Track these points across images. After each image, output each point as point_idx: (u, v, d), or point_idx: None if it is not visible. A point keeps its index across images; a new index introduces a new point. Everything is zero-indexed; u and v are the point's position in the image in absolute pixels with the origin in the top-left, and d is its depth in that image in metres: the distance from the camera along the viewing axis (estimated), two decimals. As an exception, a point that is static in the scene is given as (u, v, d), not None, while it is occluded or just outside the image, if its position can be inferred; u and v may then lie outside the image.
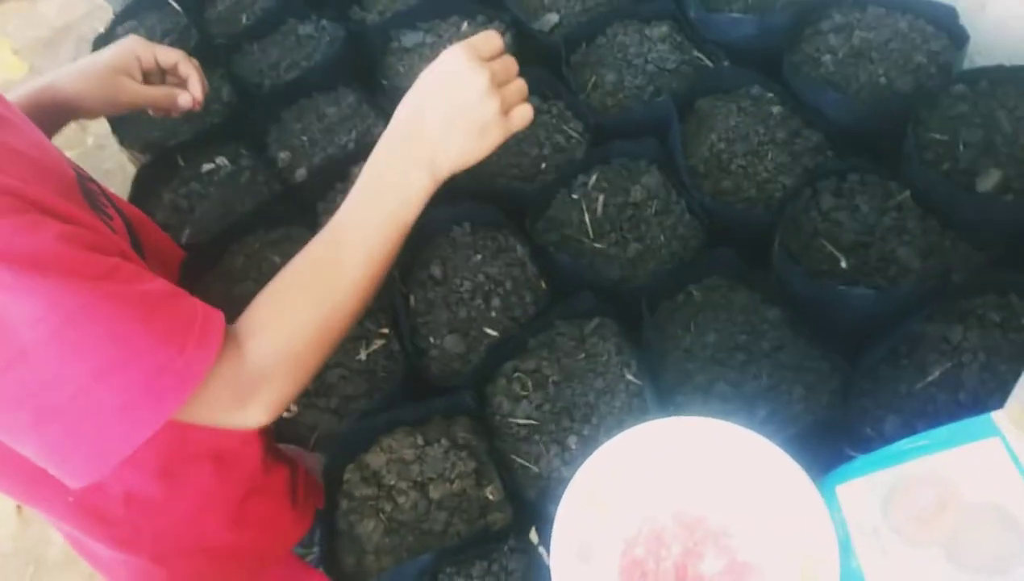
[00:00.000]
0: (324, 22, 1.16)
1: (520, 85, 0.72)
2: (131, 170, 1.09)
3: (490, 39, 0.71)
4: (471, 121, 0.69)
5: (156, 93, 0.92)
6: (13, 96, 0.88)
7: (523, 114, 0.71)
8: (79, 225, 0.60)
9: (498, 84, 0.69)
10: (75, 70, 0.89)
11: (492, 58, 0.70)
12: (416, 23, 1.12)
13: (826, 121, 0.88)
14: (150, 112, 0.96)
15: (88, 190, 0.72)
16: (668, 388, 0.76)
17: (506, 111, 0.70)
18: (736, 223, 0.85)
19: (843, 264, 0.79)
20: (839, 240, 0.80)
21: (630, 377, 0.76)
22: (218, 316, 0.63)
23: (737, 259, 0.82)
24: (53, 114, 0.88)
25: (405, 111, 0.71)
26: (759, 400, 0.74)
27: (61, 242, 0.56)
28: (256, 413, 0.65)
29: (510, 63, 0.72)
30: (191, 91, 0.93)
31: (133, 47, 0.91)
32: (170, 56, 0.92)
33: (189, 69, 0.93)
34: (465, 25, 1.10)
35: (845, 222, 0.81)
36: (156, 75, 0.94)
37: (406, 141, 0.71)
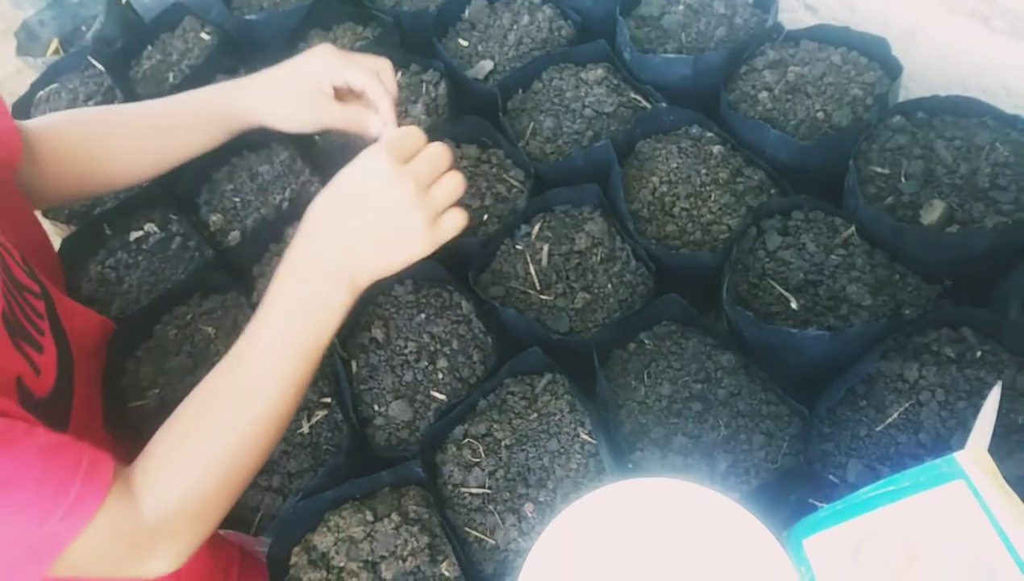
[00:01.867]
0: (254, 78, 1.13)
1: (450, 185, 0.65)
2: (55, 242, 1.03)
3: (411, 136, 0.65)
4: (395, 234, 0.63)
5: (349, 116, 0.83)
6: (164, 102, 0.86)
7: (453, 223, 0.65)
8: None
9: (426, 186, 0.63)
10: (266, 85, 0.84)
11: (416, 155, 0.64)
12: (349, 75, 1.09)
13: (767, 159, 0.88)
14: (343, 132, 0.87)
15: (15, 322, 0.66)
16: (625, 444, 0.73)
17: (434, 218, 0.64)
18: (683, 268, 0.83)
19: (793, 305, 0.77)
20: (788, 280, 0.79)
21: (584, 436, 0.73)
22: (105, 460, 0.58)
23: (686, 304, 0.80)
24: (227, 124, 0.86)
25: (319, 221, 0.65)
26: (719, 451, 0.72)
27: None
28: (157, 565, 0.59)
29: (438, 156, 0.65)
30: (383, 117, 0.81)
31: (326, 65, 0.81)
32: (359, 80, 0.81)
33: (380, 95, 0.81)
34: (399, 75, 1.08)
35: (793, 261, 0.79)
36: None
37: (321, 256, 0.64)
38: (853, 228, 0.80)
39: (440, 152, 0.65)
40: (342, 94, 0.83)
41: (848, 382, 0.71)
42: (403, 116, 1.02)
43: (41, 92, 1.22)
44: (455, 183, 0.65)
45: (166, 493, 0.59)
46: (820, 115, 0.88)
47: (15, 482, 0.52)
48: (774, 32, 0.96)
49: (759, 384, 0.76)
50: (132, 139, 0.87)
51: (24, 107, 1.20)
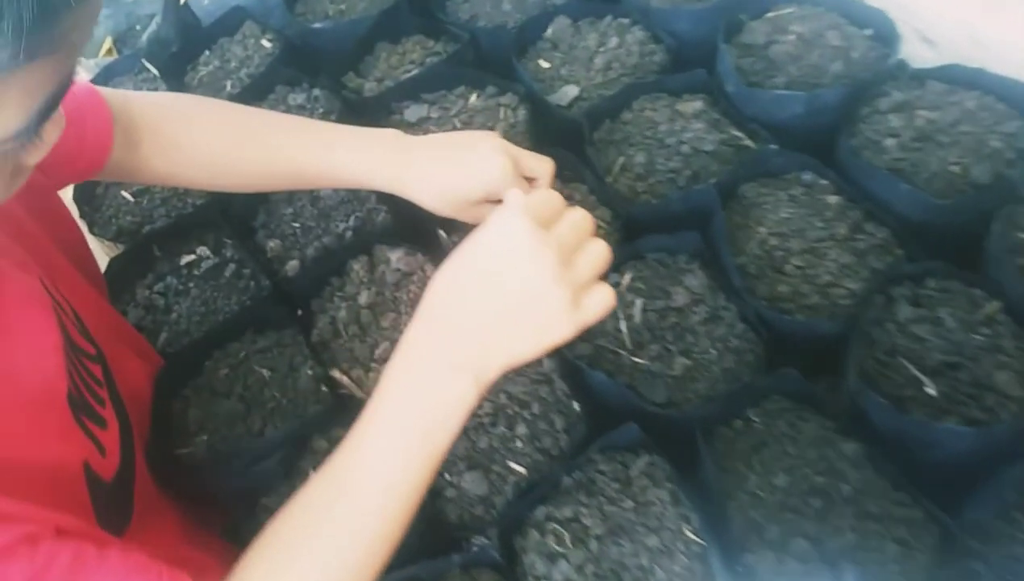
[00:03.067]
0: (317, 91, 1.05)
1: (596, 255, 0.54)
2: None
3: (551, 198, 0.55)
4: (533, 316, 0.51)
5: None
6: (299, 148, 0.75)
7: (601, 302, 0.53)
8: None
9: (568, 256, 0.52)
10: (430, 177, 0.73)
11: (556, 219, 0.54)
12: (420, 94, 1.01)
13: (893, 215, 0.78)
14: None
15: (80, 401, 0.59)
16: (734, 543, 0.64)
17: (577, 296, 0.52)
18: (797, 336, 0.73)
19: (930, 390, 0.68)
20: (923, 360, 0.69)
21: (690, 535, 0.64)
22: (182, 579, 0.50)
23: (804, 380, 0.71)
24: (357, 185, 0.78)
25: (444, 299, 0.54)
26: (845, 560, 0.62)
27: None
28: None
29: (580, 220, 0.54)
30: None
31: (496, 189, 0.70)
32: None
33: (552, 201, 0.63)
34: (474, 97, 1.00)
35: (928, 338, 0.70)
36: None
37: (443, 344, 0.53)
38: (998, 302, 0.70)
39: (582, 216, 0.55)
40: None
41: (999, 489, 0.62)
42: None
43: (91, 96, 1.16)
44: (601, 252, 0.54)
45: None
46: (956, 169, 0.78)
47: None
48: (898, 70, 0.86)
49: (889, 481, 0.66)
50: (247, 178, 0.78)
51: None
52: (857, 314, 0.72)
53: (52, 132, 0.47)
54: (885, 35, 0.90)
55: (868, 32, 0.91)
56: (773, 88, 0.88)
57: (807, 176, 0.83)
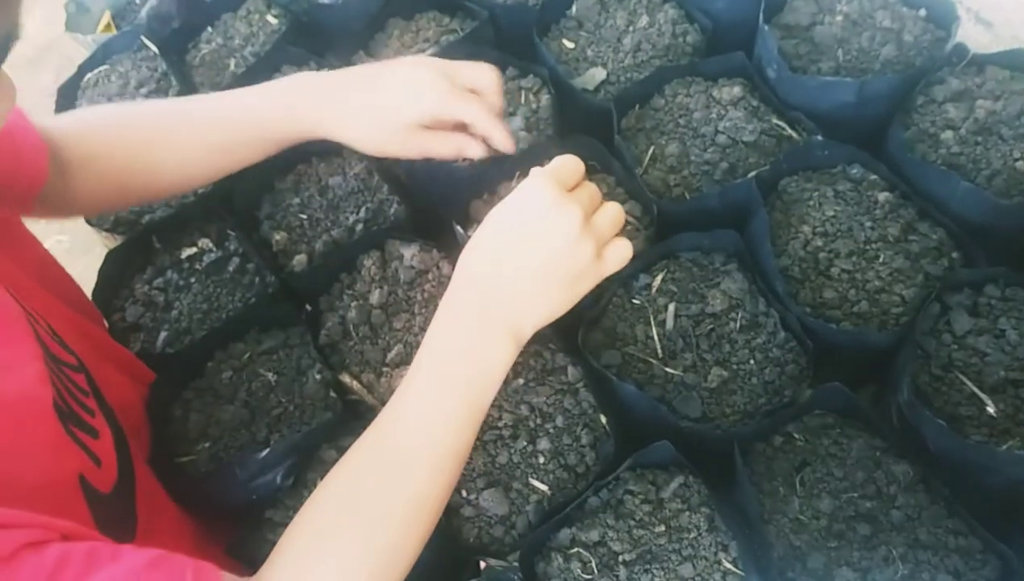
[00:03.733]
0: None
1: (612, 214, 0.59)
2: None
3: (572, 163, 0.59)
4: (563, 272, 0.56)
5: (447, 145, 0.72)
6: (217, 105, 0.74)
7: (619, 254, 0.58)
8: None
9: (590, 216, 0.57)
10: (351, 107, 0.71)
11: (577, 186, 0.58)
12: (435, 75, 0.95)
13: (949, 215, 0.72)
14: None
15: (68, 409, 0.56)
16: (775, 573, 0.59)
17: (600, 250, 0.57)
18: (844, 346, 0.68)
19: (990, 410, 0.62)
20: (982, 376, 0.64)
21: (728, 565, 0.59)
22: (211, 572, 0.47)
23: (851, 395, 0.66)
24: (290, 139, 0.75)
25: (478, 264, 0.57)
26: (895, 595, 0.57)
27: None
28: None
29: (595, 188, 0.60)
30: (496, 144, 0.71)
31: (434, 104, 0.68)
32: (468, 113, 0.69)
33: (489, 127, 0.70)
34: (494, 79, 0.93)
35: (988, 352, 0.64)
36: None
37: (481, 304, 0.56)
38: (1066, 315, 0.65)
39: (595, 187, 0.60)
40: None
41: (1070, 522, 0.57)
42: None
43: (90, 74, 1.10)
44: (617, 211, 0.59)
45: None
46: (1020, 165, 0.71)
47: None
48: (955, 55, 0.80)
49: (943, 507, 0.61)
50: (179, 153, 0.74)
51: (71, 91, 1.08)
52: (910, 324, 0.66)
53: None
54: (941, 16, 0.83)
55: (922, 12, 0.84)
56: (818, 74, 0.82)
57: (855, 170, 0.77)
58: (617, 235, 0.59)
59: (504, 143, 0.71)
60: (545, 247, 0.55)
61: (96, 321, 0.83)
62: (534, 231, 0.55)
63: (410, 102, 0.68)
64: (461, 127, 0.71)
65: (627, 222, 0.80)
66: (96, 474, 0.56)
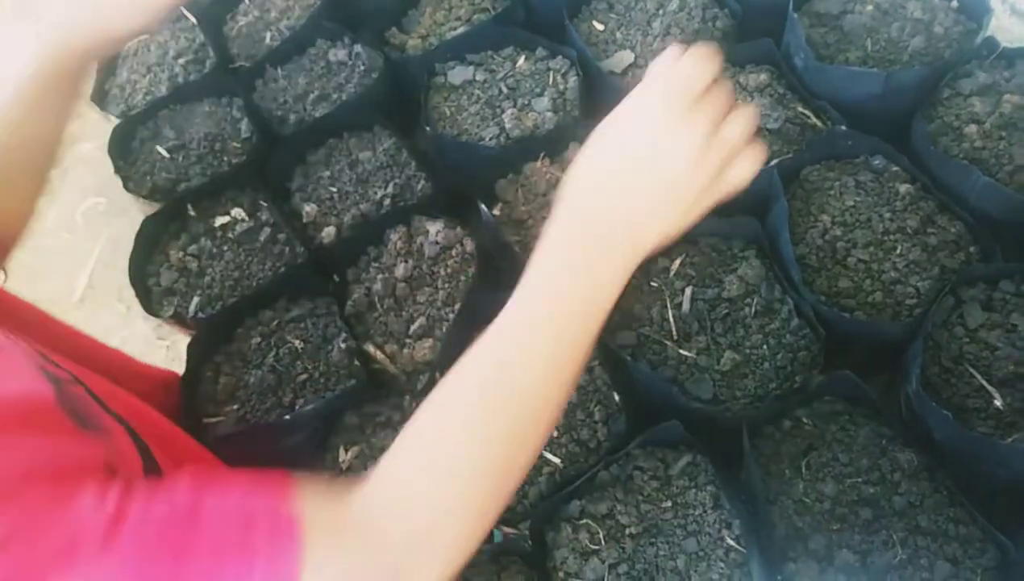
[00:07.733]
0: (359, 47, 1.01)
1: (744, 123, 0.52)
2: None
3: (701, 67, 0.51)
4: (681, 194, 0.51)
5: None
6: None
7: (740, 174, 0.53)
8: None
9: (714, 127, 0.51)
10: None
11: (700, 89, 0.51)
12: (465, 54, 0.96)
13: (968, 208, 0.72)
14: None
15: (73, 408, 0.52)
16: (776, 552, 0.61)
17: (723, 167, 0.52)
18: (857, 335, 0.69)
19: (997, 402, 0.63)
20: (991, 370, 0.65)
21: (731, 541, 0.61)
22: (288, 509, 0.46)
23: (860, 383, 0.67)
24: (76, 81, 0.65)
25: (591, 182, 0.53)
26: (891, 577, 0.59)
27: None
28: None
29: (724, 92, 0.52)
30: None
31: None
32: None
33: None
34: (522, 60, 0.95)
35: (999, 346, 0.65)
36: None
37: (594, 216, 0.52)
38: (1080, 312, 0.65)
39: (728, 89, 0.52)
40: None
41: (1069, 515, 0.58)
42: (526, 111, 0.89)
43: (130, 43, 1.13)
44: (749, 118, 0.52)
45: (423, 512, 0.47)
46: (1044, 161, 0.72)
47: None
48: (985, 48, 0.79)
49: (946, 496, 0.63)
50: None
51: (111, 61, 1.11)
52: (923, 316, 0.67)
53: None
54: (973, 7, 0.82)
55: (954, 3, 0.84)
56: (846, 63, 0.82)
57: (877, 161, 0.78)
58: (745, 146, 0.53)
59: None
60: (662, 167, 0.51)
61: (90, 354, 0.75)
62: (650, 150, 0.51)
63: None
64: None
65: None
66: (123, 464, 0.53)
